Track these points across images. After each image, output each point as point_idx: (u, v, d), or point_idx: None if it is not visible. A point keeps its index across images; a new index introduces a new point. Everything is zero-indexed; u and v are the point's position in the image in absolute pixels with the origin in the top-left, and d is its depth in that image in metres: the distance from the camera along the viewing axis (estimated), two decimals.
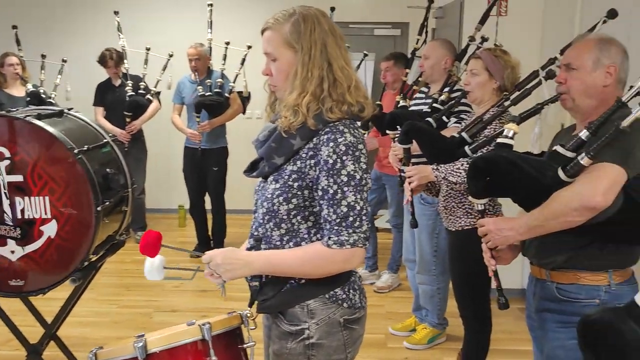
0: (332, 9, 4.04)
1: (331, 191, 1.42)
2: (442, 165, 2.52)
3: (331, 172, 1.42)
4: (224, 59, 4.56)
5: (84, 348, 2.09)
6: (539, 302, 1.88)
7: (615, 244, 1.73)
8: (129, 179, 2.76)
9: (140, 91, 4.76)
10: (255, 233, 1.58)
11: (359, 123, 1.55)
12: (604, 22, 2.16)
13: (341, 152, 1.42)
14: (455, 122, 2.88)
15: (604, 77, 1.75)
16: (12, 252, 2.45)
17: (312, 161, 1.46)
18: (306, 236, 1.51)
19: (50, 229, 2.41)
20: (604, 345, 0.91)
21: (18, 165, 2.39)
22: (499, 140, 1.84)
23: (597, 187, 1.57)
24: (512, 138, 1.81)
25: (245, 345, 1.59)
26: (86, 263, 2.51)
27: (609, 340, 0.90)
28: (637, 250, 1.79)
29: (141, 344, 1.46)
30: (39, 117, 2.46)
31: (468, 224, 2.59)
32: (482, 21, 3.00)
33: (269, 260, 1.50)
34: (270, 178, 1.54)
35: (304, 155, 1.48)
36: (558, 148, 1.67)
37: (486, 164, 1.75)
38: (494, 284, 1.92)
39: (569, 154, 1.64)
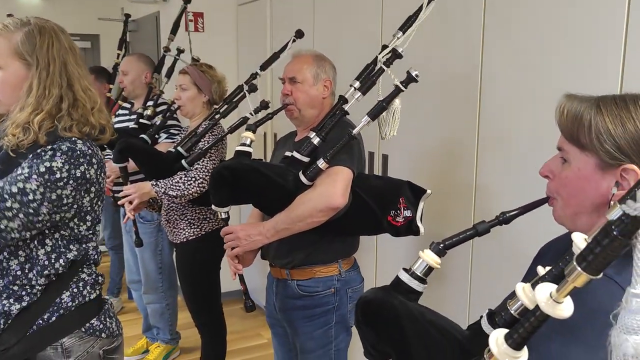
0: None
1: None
2: (161, 181, 2.51)
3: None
4: None
5: None
6: (282, 302, 2.00)
7: (342, 236, 1.94)
8: None
9: None
10: None
11: None
12: (294, 41, 2.41)
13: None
14: (167, 138, 2.90)
15: (322, 90, 1.97)
16: None
17: None
18: (47, 263, 1.37)
19: None
20: (381, 320, 1.02)
21: None
22: (238, 148, 1.89)
23: (337, 189, 1.72)
24: (249, 145, 1.89)
25: None
26: None
27: (385, 315, 1.01)
28: (358, 239, 2.05)
29: None
30: None
31: (192, 235, 2.65)
32: (174, 31, 3.08)
33: None
34: None
35: None
36: (295, 154, 1.79)
37: (231, 172, 1.77)
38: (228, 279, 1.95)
39: (305, 159, 1.79)
